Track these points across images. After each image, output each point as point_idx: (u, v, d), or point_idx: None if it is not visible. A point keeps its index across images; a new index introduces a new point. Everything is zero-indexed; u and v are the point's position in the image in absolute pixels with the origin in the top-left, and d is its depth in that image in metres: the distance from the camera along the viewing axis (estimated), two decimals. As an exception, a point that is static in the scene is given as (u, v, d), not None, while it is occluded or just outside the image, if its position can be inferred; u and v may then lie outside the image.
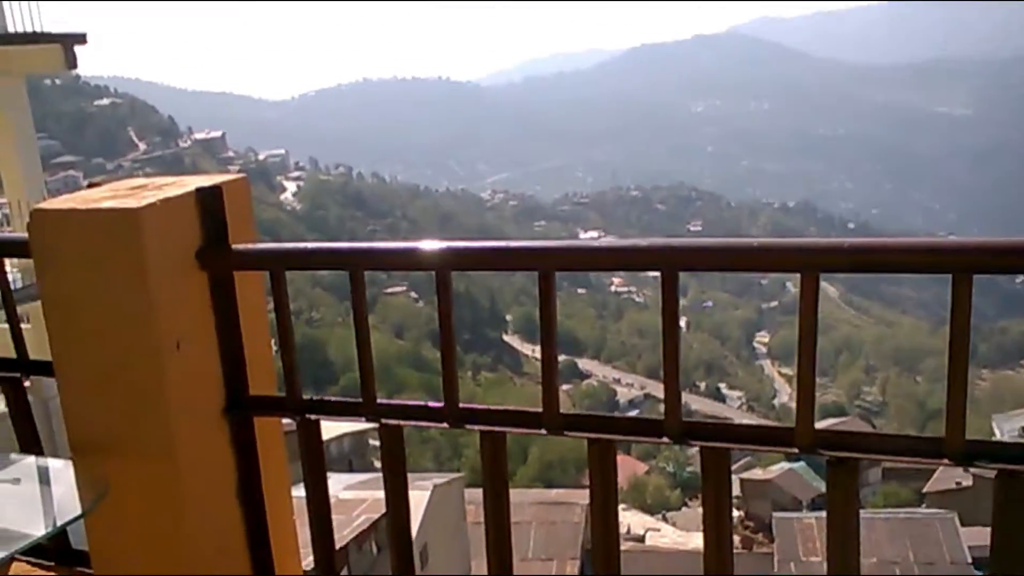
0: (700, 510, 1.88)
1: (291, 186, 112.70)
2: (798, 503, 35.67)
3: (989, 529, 1.65)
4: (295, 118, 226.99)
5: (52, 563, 2.43)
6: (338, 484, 17.45)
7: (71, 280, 2.01)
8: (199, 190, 2.04)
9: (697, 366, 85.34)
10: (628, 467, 46.54)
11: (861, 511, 1.80)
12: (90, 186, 2.16)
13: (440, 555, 17.59)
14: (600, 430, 1.87)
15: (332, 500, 2.21)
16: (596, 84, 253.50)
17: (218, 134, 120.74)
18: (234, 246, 2.07)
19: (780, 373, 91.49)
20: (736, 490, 33.40)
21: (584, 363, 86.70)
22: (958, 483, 31.36)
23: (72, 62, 14.96)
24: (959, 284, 1.54)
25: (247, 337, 2.13)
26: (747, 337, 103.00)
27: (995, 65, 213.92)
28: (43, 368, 2.30)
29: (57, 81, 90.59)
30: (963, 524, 22.61)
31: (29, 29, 14.63)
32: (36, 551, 2.36)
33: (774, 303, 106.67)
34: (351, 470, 27.70)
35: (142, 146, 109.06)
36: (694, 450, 1.82)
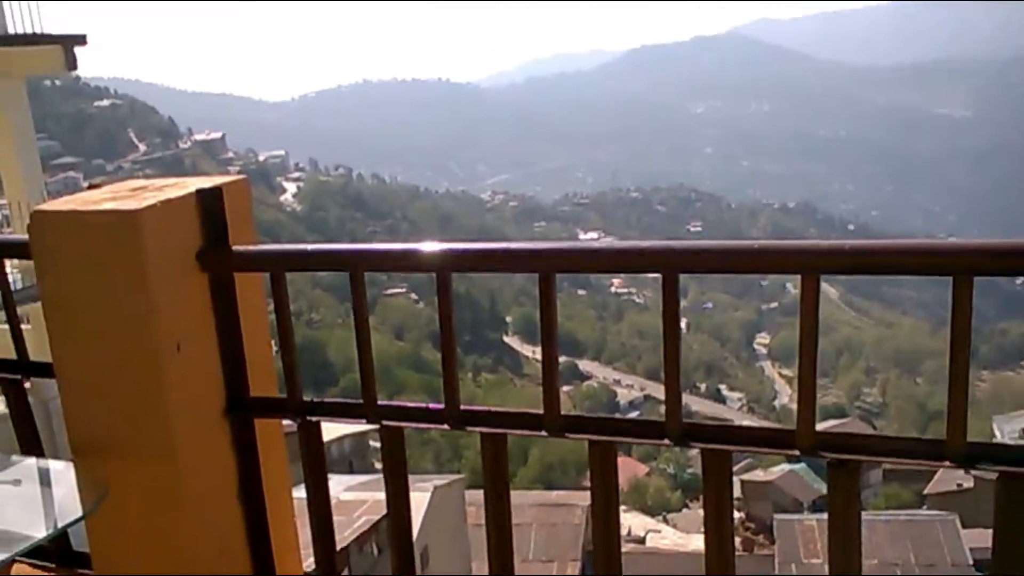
0: (701, 512, 1.88)
1: (291, 187, 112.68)
2: (799, 505, 35.64)
3: (990, 531, 1.65)
4: (295, 119, 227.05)
5: (53, 565, 2.43)
6: (339, 485, 17.45)
7: (72, 282, 2.01)
8: (199, 191, 2.04)
9: (697, 367, 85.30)
10: (629, 468, 46.51)
11: (862, 513, 1.80)
12: (90, 188, 2.16)
13: (441, 556, 17.59)
14: (601, 432, 1.87)
15: (333, 501, 2.21)
16: (596, 85, 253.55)
17: (218, 135, 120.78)
18: (234, 247, 2.07)
19: (780, 374, 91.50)
20: (737, 491, 33.29)
21: (584, 364, 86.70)
22: (959, 485, 31.35)
23: (72, 63, 14.97)
24: (960, 286, 1.54)
25: (247, 338, 2.13)
26: (747, 338, 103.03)
27: (996, 65, 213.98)
28: (44, 370, 2.30)
29: (57, 82, 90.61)
30: (964, 526, 22.61)
31: (29, 30, 14.64)
32: (37, 552, 2.36)
33: (774, 304, 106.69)
34: (352, 471, 27.69)
35: (142, 147, 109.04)
36: (695, 452, 1.82)
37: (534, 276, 1.85)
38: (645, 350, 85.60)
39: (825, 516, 1.75)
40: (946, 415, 1.59)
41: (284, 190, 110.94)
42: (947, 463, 1.62)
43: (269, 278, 2.07)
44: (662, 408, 1.84)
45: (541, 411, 1.88)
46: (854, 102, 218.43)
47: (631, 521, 36.18)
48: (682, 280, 1.77)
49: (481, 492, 2.05)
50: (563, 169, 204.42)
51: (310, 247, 2.08)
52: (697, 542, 28.74)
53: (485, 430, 1.96)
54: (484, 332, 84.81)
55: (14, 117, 14.66)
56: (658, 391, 70.61)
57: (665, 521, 41.67)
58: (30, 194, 14.25)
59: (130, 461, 2.04)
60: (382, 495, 2.13)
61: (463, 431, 1.97)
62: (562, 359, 1.97)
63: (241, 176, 2.19)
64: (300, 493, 2.21)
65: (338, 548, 2.28)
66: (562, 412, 1.88)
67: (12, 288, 2.45)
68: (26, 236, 2.03)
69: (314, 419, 2.11)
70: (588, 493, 1.96)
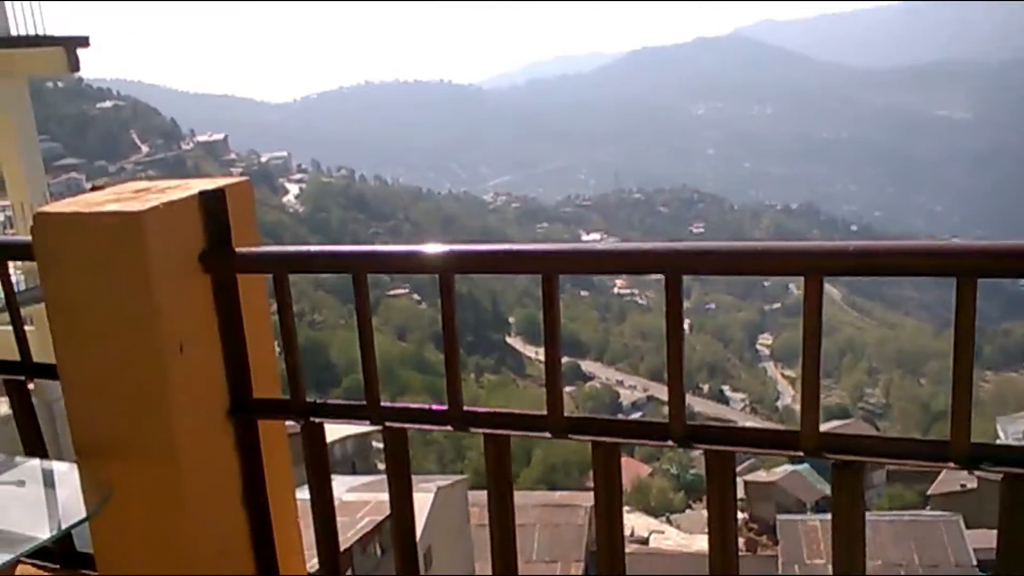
0: (704, 512, 1.88)
1: (293, 188, 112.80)
2: (802, 505, 35.62)
3: (994, 531, 1.65)
4: (297, 120, 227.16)
5: (57, 566, 2.44)
6: (341, 486, 17.48)
7: (75, 283, 2.02)
8: (202, 193, 2.04)
9: (700, 368, 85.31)
10: (632, 469, 46.55)
11: (866, 513, 1.79)
12: (93, 189, 2.17)
13: (444, 557, 17.60)
14: (604, 433, 1.87)
15: (336, 502, 2.21)
16: (598, 87, 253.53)
17: (220, 136, 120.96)
18: (237, 249, 2.07)
19: (783, 375, 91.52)
20: (740, 492, 33.39)
21: (587, 365, 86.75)
22: (963, 485, 31.33)
23: (75, 65, 14.98)
24: (963, 288, 1.54)
25: (250, 340, 2.13)
26: (750, 339, 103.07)
27: (994, 67, 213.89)
28: (47, 371, 2.30)
29: (59, 84, 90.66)
30: (968, 526, 22.60)
31: (32, 32, 14.66)
32: (41, 553, 2.37)
33: (777, 305, 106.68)
34: (354, 472, 27.74)
35: (144, 148, 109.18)
36: (698, 452, 1.82)
37: (537, 277, 1.85)
38: (648, 351, 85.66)
39: (828, 516, 1.75)
40: (950, 416, 1.59)
41: (286, 191, 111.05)
42: (951, 464, 1.62)
43: (272, 279, 2.08)
44: (665, 409, 1.84)
45: (544, 412, 1.88)
46: (855, 104, 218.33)
47: (634, 522, 36.20)
48: (685, 281, 1.76)
49: (484, 492, 2.05)
50: (565, 170, 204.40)
51: (313, 249, 2.08)
52: (700, 543, 28.74)
53: (488, 431, 1.96)
54: (487, 333, 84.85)
55: (17, 118, 14.69)
56: (660, 392, 70.60)
57: (668, 522, 41.69)
58: (33, 195, 14.28)
59: (134, 462, 2.04)
60: (385, 496, 2.13)
61: (466, 432, 1.97)
62: (565, 360, 1.96)
63: (244, 178, 2.19)
64: (303, 494, 2.21)
65: (341, 549, 2.28)
66: (565, 413, 1.88)
67: (15, 289, 2.45)
68: (29, 238, 2.04)
69: (317, 420, 2.11)
70: (591, 494, 1.96)
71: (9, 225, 15.06)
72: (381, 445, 2.11)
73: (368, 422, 2.04)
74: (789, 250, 1.71)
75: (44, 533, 1.91)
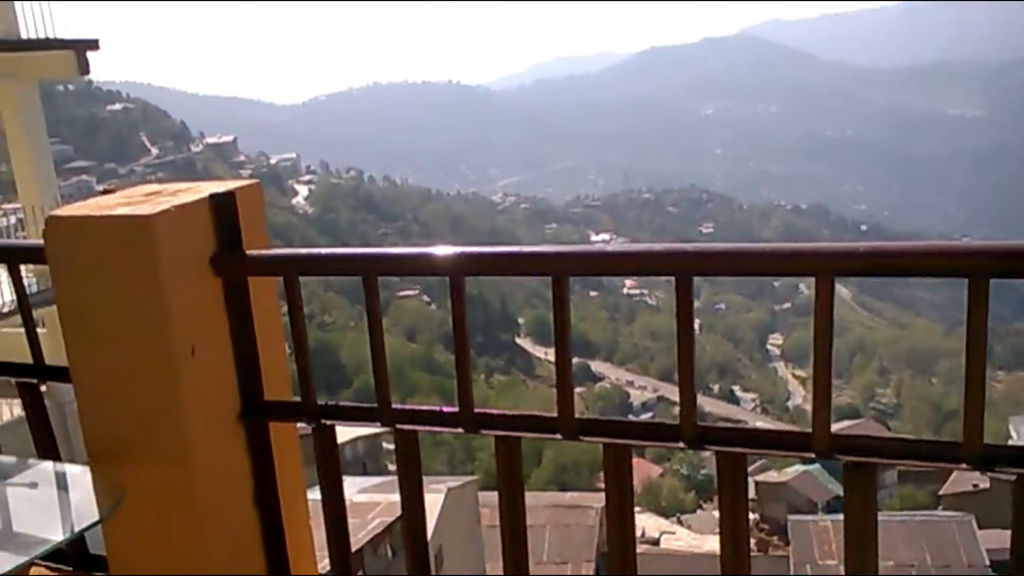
0: (715, 512, 1.88)
1: (303, 190, 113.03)
2: (813, 505, 35.54)
3: (1007, 531, 1.64)
4: (306, 122, 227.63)
5: (70, 568, 2.44)
6: (352, 487, 17.50)
7: (86, 287, 2.03)
8: (213, 196, 2.05)
9: (710, 368, 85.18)
10: (642, 470, 46.50)
11: (878, 514, 1.79)
12: (104, 192, 2.17)
13: (455, 558, 17.62)
14: (615, 435, 1.87)
15: (347, 503, 2.22)
16: (606, 87, 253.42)
17: (230, 138, 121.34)
18: (248, 252, 2.07)
19: (794, 375, 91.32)
20: (751, 493, 33.29)
21: (597, 365, 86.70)
22: (975, 485, 31.22)
23: (85, 68, 15.06)
24: (975, 288, 1.53)
25: (261, 342, 2.13)
26: (760, 339, 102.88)
27: (994, 67, 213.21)
28: (59, 374, 2.31)
29: (70, 86, 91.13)
30: (980, 526, 22.53)
31: (42, 34, 14.74)
32: (54, 555, 2.38)
33: (787, 305, 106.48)
34: (365, 473, 27.78)
35: (154, 151, 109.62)
36: (708, 453, 1.82)
37: (547, 279, 1.85)
38: (658, 351, 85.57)
39: (840, 517, 1.75)
40: (962, 417, 1.58)
41: (296, 193, 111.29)
42: (964, 465, 1.61)
43: (283, 282, 2.08)
44: (675, 409, 1.84)
45: (555, 414, 1.88)
46: (858, 102, 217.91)
47: (645, 522, 36.17)
48: (695, 281, 1.76)
49: (495, 493, 2.05)
50: (573, 170, 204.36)
51: (324, 251, 2.09)
52: (711, 543, 28.67)
53: (499, 433, 1.96)
54: (496, 333, 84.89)
55: (28, 121, 14.78)
56: (671, 392, 70.55)
57: (679, 522, 41.62)
58: (44, 198, 14.37)
59: (145, 465, 2.05)
60: (396, 497, 2.14)
61: (477, 434, 1.97)
62: (575, 360, 1.96)
63: (254, 180, 2.20)
64: (315, 495, 2.21)
65: (353, 550, 2.29)
66: (576, 415, 1.88)
67: (27, 292, 2.46)
68: (41, 241, 2.05)
69: (328, 423, 2.12)
70: (602, 494, 1.95)
71: (20, 227, 15.14)
72: (392, 447, 2.12)
73: (379, 424, 2.05)
74: (800, 251, 1.70)
75: (57, 535, 1.92)
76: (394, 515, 15.45)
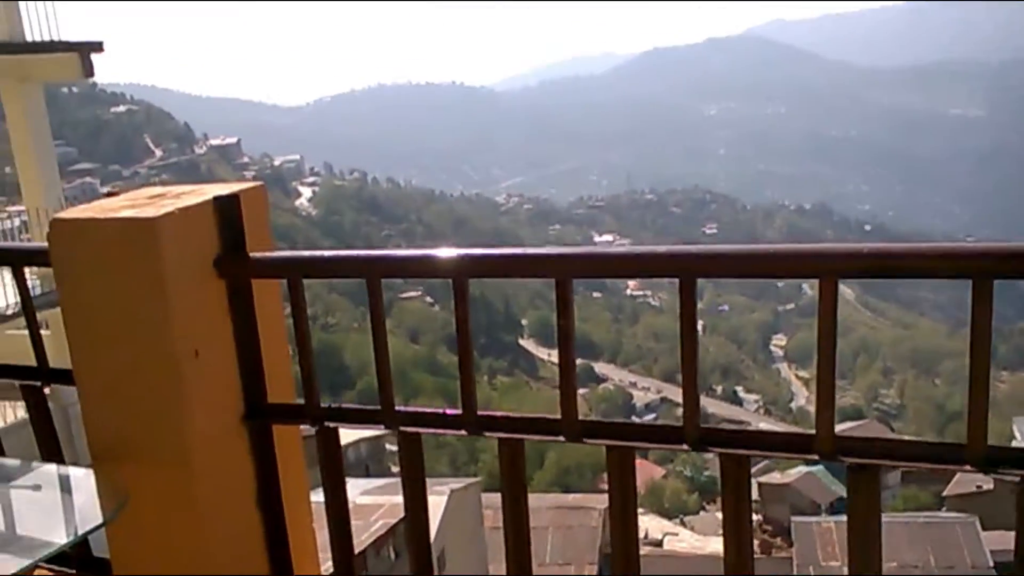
0: (718, 514, 1.88)
1: (306, 191, 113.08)
2: (817, 507, 35.46)
3: (1010, 533, 1.64)
4: (310, 124, 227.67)
5: (74, 571, 2.45)
6: (355, 489, 17.49)
7: (90, 289, 2.03)
8: (217, 199, 2.05)
9: (714, 369, 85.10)
10: (645, 471, 46.44)
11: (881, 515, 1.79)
12: (108, 195, 2.18)
13: (458, 559, 17.61)
14: (619, 437, 1.87)
15: (350, 505, 2.22)
16: (610, 88, 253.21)
17: (233, 140, 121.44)
18: (252, 254, 2.08)
19: (797, 376, 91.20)
20: (754, 494, 33.31)
21: (600, 367, 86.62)
22: (979, 486, 31.16)
23: (89, 70, 15.08)
24: (979, 289, 1.53)
25: (265, 344, 2.13)
26: (764, 340, 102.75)
27: (995, 67, 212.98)
28: (63, 376, 2.32)
29: (74, 89, 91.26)
30: (984, 528, 22.47)
31: (47, 36, 14.76)
32: (58, 558, 2.38)
33: (790, 306, 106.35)
34: (368, 475, 27.79)
35: (158, 152, 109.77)
36: (711, 454, 1.82)
37: (550, 280, 1.85)
38: (661, 352, 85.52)
39: (843, 518, 1.74)
40: (966, 419, 1.58)
41: (299, 194, 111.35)
42: (968, 467, 1.61)
43: (287, 284, 2.08)
44: (678, 411, 1.83)
45: (559, 416, 1.88)
46: (862, 102, 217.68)
47: (648, 524, 36.08)
48: (698, 282, 1.76)
49: (498, 495, 2.05)
50: (577, 171, 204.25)
51: (327, 254, 2.09)
52: (715, 545, 28.66)
53: (503, 435, 1.96)
54: (499, 335, 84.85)
55: (32, 124, 14.80)
56: (674, 393, 70.50)
57: (682, 524, 41.52)
58: (48, 200, 14.38)
59: (149, 467, 2.05)
60: (399, 499, 2.14)
61: (480, 436, 1.97)
62: (578, 362, 1.96)
63: (258, 183, 2.20)
64: (318, 497, 2.22)
65: (356, 551, 2.29)
66: (580, 417, 1.88)
67: (31, 294, 2.47)
68: (45, 244, 2.05)
69: (332, 425, 2.12)
70: (605, 496, 1.95)
71: (25, 230, 15.16)
72: (395, 448, 2.11)
73: (383, 427, 2.05)
74: (803, 252, 1.70)
75: (61, 538, 1.92)
76: (397, 517, 15.44)
